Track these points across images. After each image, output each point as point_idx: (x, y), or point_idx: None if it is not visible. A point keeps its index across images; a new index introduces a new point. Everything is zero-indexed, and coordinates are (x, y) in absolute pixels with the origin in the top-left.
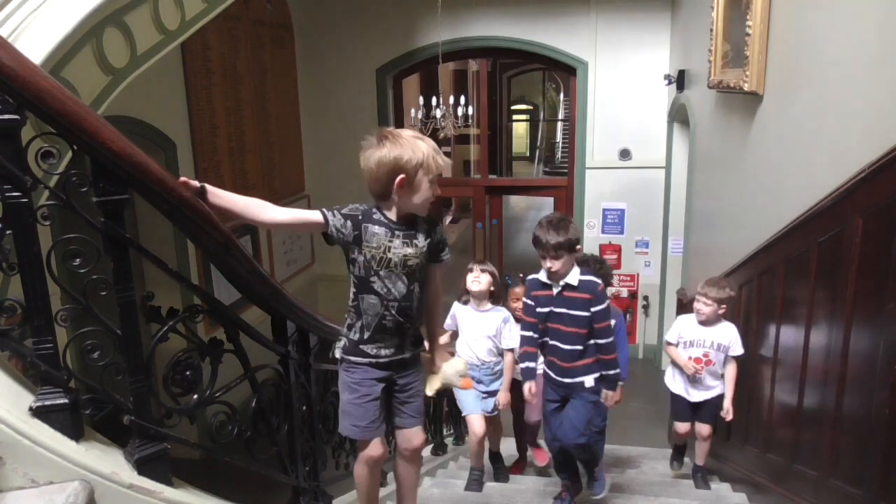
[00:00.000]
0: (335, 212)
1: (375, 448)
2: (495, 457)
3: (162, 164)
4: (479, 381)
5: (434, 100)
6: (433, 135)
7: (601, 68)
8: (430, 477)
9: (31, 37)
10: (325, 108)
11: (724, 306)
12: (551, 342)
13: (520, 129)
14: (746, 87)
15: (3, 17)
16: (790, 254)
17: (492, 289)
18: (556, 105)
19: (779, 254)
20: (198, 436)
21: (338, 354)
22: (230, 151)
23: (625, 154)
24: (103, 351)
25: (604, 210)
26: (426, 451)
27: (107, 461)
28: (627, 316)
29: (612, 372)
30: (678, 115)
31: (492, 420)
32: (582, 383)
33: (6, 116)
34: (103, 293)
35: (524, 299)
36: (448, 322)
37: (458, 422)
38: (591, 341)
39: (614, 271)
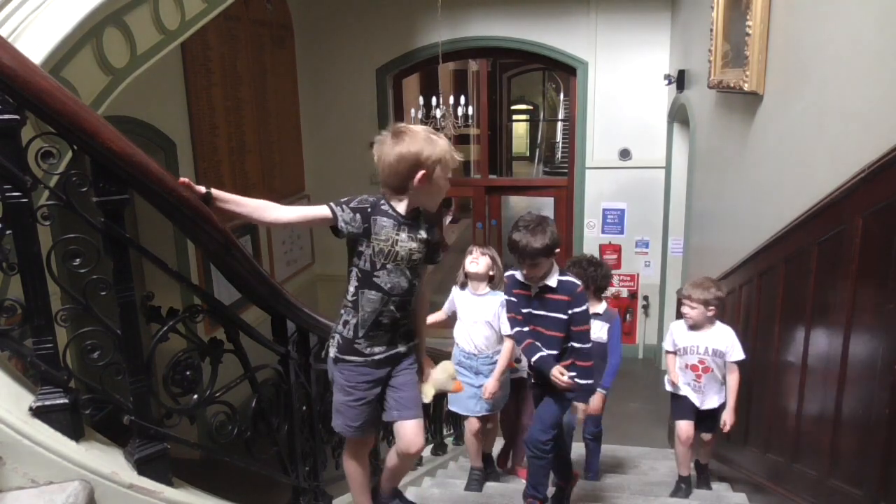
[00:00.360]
0: (343, 206)
1: (365, 441)
2: (487, 458)
3: (162, 164)
4: (477, 373)
5: (434, 100)
6: None
7: (601, 68)
8: (430, 477)
9: (31, 37)
10: (325, 108)
11: (712, 308)
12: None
13: (520, 129)
14: (746, 87)
15: (3, 17)
16: (790, 254)
17: (491, 273)
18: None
19: (779, 254)
20: (198, 436)
21: (332, 354)
22: (230, 151)
23: (625, 154)
24: (103, 351)
25: (604, 210)
26: (426, 452)
27: (107, 461)
28: (628, 316)
29: (584, 382)
30: (678, 115)
31: (490, 418)
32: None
33: (6, 116)
34: (103, 293)
35: (505, 296)
36: (445, 306)
37: (457, 422)
38: (569, 344)
39: (614, 271)
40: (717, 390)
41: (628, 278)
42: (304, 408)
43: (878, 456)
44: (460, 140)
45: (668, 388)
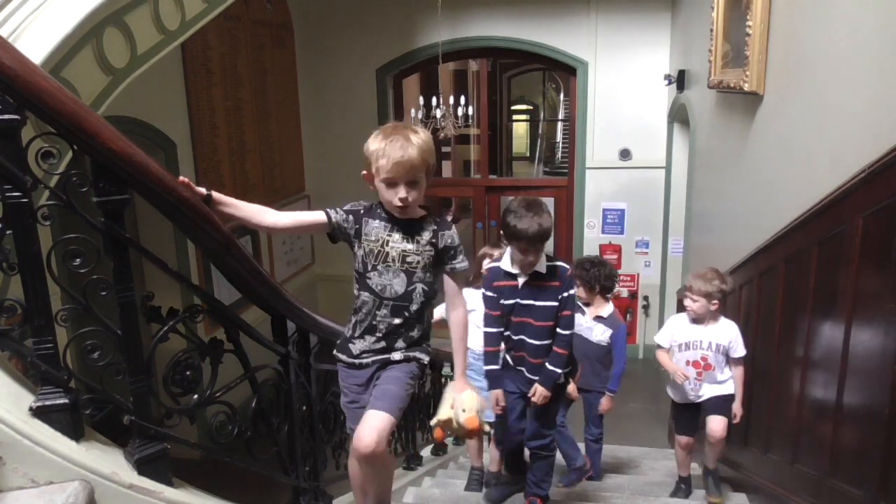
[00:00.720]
0: (338, 209)
1: None
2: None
3: (162, 164)
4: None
5: (434, 100)
6: (433, 135)
7: (601, 68)
8: (430, 477)
9: (31, 37)
10: (325, 109)
11: (715, 301)
12: (516, 337)
13: (520, 129)
14: (746, 87)
15: (4, 17)
16: (790, 254)
17: None
18: (556, 105)
19: (779, 254)
20: (198, 436)
21: (334, 351)
22: (230, 151)
23: (625, 154)
24: (103, 351)
25: (604, 210)
26: (426, 452)
27: (107, 461)
28: (628, 316)
29: (551, 368)
30: (678, 115)
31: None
32: None
33: (6, 116)
34: (103, 293)
35: (484, 290)
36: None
37: None
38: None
39: None
40: (713, 381)
41: (628, 278)
42: (305, 408)
43: (879, 456)
44: (460, 140)
45: (672, 395)
